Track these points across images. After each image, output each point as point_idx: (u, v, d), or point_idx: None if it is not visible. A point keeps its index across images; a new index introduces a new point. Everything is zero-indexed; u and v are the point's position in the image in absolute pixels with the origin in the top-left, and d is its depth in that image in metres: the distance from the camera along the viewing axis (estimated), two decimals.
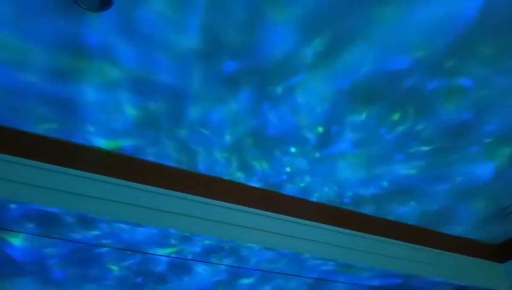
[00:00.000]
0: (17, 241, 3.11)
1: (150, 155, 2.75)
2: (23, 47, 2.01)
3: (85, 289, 3.78)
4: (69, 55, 2.05)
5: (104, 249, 3.18)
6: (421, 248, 3.51)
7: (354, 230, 3.27)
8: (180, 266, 3.53)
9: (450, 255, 3.65)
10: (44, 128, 2.53)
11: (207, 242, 2.97)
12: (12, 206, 2.62)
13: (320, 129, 2.53)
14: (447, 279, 3.57)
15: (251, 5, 1.82)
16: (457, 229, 3.64)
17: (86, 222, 2.71)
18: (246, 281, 3.76)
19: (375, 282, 3.65)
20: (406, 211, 3.36)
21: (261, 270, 3.41)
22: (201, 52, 2.04)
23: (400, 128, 2.53)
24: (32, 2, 1.80)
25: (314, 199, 3.21)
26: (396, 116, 2.44)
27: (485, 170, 2.89)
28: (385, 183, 3.01)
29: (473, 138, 2.61)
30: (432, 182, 3.01)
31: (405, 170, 2.88)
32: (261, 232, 2.98)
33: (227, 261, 3.27)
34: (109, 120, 2.46)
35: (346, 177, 2.95)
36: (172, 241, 3.01)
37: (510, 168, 2.88)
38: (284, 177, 2.96)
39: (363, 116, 2.44)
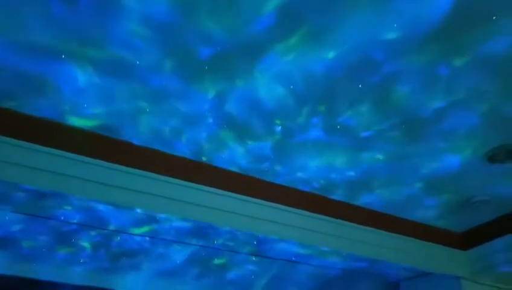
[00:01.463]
0: None
1: (122, 134, 2.78)
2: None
3: (57, 267, 3.80)
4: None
5: (75, 227, 3.21)
6: (387, 233, 3.63)
7: (322, 214, 3.36)
8: (154, 246, 3.58)
9: (415, 241, 3.78)
10: (15, 103, 2.52)
11: (177, 223, 3.02)
12: None
13: (291, 115, 2.59)
14: (412, 264, 3.71)
15: None
16: (423, 216, 3.77)
17: (58, 198, 2.72)
18: (217, 261, 3.84)
19: (342, 265, 3.77)
20: (373, 198, 3.47)
21: (230, 251, 3.48)
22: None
23: (373, 118, 2.60)
24: None
25: (283, 183, 3.29)
26: (365, 107, 2.51)
27: (451, 160, 2.99)
28: (353, 170, 3.10)
29: (444, 129, 2.69)
30: (400, 170, 3.10)
31: (373, 157, 2.97)
32: (231, 214, 3.04)
33: (197, 241, 3.33)
34: (81, 99, 2.47)
35: (315, 163, 3.03)
36: (145, 221, 3.05)
37: (476, 160, 2.98)
38: (253, 160, 3.02)
39: (334, 104, 2.50)
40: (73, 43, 2.11)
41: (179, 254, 3.78)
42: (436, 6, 1.92)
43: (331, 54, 2.18)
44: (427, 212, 3.69)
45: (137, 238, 3.48)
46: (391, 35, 2.06)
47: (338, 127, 2.68)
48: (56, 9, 1.94)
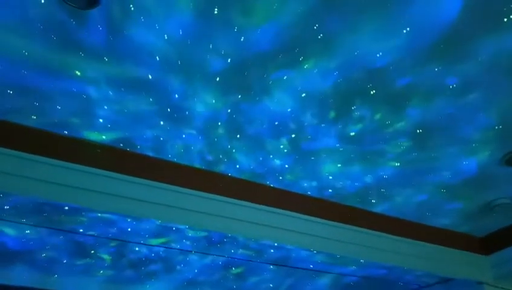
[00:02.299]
0: (10, 230, 3.18)
1: (138, 147, 2.82)
2: (19, 44, 2.06)
3: (77, 278, 3.85)
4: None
5: (94, 239, 3.25)
6: (406, 240, 3.58)
7: (340, 222, 3.34)
8: (170, 256, 3.61)
9: (435, 247, 3.72)
10: (33, 120, 2.58)
11: (194, 233, 3.04)
12: (7, 197, 2.68)
13: (305, 124, 2.59)
14: (432, 271, 3.65)
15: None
16: (442, 222, 3.71)
17: (77, 212, 2.77)
18: (235, 271, 3.84)
19: (360, 273, 3.73)
20: (391, 204, 3.43)
21: (248, 261, 3.48)
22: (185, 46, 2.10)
23: (384, 124, 2.58)
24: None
25: (299, 191, 3.28)
26: (378, 114, 2.50)
27: (469, 165, 2.95)
28: (370, 177, 3.08)
29: (460, 133, 2.66)
30: (418, 176, 3.07)
31: (390, 163, 2.95)
32: (248, 224, 3.05)
33: (216, 251, 3.35)
34: (97, 114, 2.52)
35: (331, 170, 3.01)
36: (162, 232, 3.08)
37: (493, 163, 2.94)
38: (267, 169, 3.03)
39: (348, 112, 2.49)
40: (87, 58, 2.16)
41: (196, 264, 3.79)
42: (445, 12, 1.91)
43: (345, 60, 2.17)
44: (447, 218, 3.64)
45: (155, 248, 3.51)
46: (399, 42, 2.06)
47: (352, 134, 2.67)
48: (71, 26, 1.99)
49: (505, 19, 1.92)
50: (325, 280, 4.14)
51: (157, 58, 2.15)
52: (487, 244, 3.96)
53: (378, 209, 3.51)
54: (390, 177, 3.09)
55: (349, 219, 3.40)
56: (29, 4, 1.88)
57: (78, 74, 2.25)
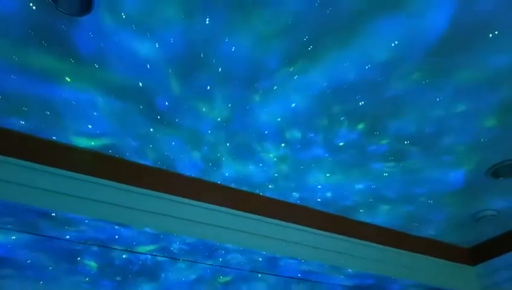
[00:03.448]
0: None
1: (127, 154, 2.81)
2: (9, 49, 2.06)
3: (63, 285, 3.81)
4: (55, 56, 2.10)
5: (81, 246, 3.22)
6: (394, 250, 3.61)
7: (328, 231, 3.35)
8: (159, 264, 3.58)
9: (422, 257, 3.75)
10: (23, 126, 2.57)
11: (184, 241, 3.03)
12: None
13: (294, 134, 2.61)
14: (419, 281, 3.67)
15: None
16: (429, 232, 3.74)
17: (64, 219, 2.75)
18: (223, 279, 3.82)
19: (348, 282, 3.74)
20: (378, 215, 3.46)
21: (236, 269, 3.47)
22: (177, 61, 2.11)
23: (372, 134, 2.61)
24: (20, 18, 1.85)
25: (288, 200, 3.29)
26: (366, 125, 2.52)
27: (455, 176, 2.99)
28: (359, 187, 3.10)
29: (447, 145, 2.70)
30: (405, 186, 3.10)
31: (378, 173, 2.97)
32: (238, 233, 3.04)
33: (206, 260, 3.33)
34: (87, 120, 2.51)
35: (320, 180, 3.03)
36: (151, 239, 3.06)
37: (480, 175, 2.98)
38: (256, 178, 3.04)
39: (337, 122, 2.52)
40: (78, 65, 2.16)
41: (184, 272, 3.77)
42: (433, 26, 1.94)
43: (332, 73, 2.20)
44: (433, 228, 3.67)
45: (143, 256, 3.48)
46: (388, 55, 2.08)
47: (340, 144, 2.69)
48: (62, 32, 1.99)
49: (490, 35, 1.96)
50: (311, 289, 4.14)
51: (148, 66, 2.15)
52: (474, 255, 3.99)
53: (367, 219, 3.53)
54: (378, 187, 3.11)
55: (337, 229, 3.41)
56: (20, 10, 1.88)
57: (68, 80, 2.24)
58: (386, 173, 2.96)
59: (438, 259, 3.83)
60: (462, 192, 3.17)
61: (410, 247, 3.71)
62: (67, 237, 3.13)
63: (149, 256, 3.39)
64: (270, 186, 3.12)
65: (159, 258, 3.43)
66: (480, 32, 1.97)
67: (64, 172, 2.65)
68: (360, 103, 2.38)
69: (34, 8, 1.86)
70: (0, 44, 2.04)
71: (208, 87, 2.29)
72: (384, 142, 2.67)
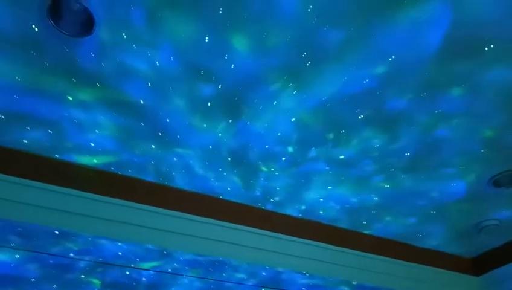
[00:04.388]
0: (0, 255, 3.14)
1: (129, 171, 2.83)
2: (11, 70, 2.09)
3: None
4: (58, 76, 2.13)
5: (85, 263, 3.22)
6: (397, 261, 3.60)
7: (331, 244, 3.35)
8: (163, 280, 3.57)
9: (426, 268, 3.74)
10: (26, 145, 2.59)
11: (188, 257, 3.03)
12: None
13: (295, 148, 2.63)
14: None
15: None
16: (432, 243, 3.74)
17: (67, 236, 2.76)
18: None
19: None
20: (382, 226, 3.45)
21: (239, 284, 3.46)
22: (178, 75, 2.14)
23: (372, 147, 2.63)
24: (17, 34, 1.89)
25: (290, 213, 3.30)
26: (366, 138, 2.54)
27: (457, 186, 2.99)
28: (360, 199, 3.11)
29: (447, 156, 2.71)
30: (407, 197, 3.11)
31: (380, 185, 2.98)
32: (239, 247, 3.05)
33: (207, 275, 3.33)
34: (89, 138, 2.54)
35: (321, 193, 3.04)
36: (154, 256, 3.07)
37: (481, 185, 2.99)
38: (261, 193, 3.05)
39: (337, 136, 2.54)
40: (80, 84, 2.19)
41: (187, 287, 3.76)
42: (427, 40, 1.97)
43: (333, 86, 2.22)
44: (436, 239, 3.66)
45: (146, 272, 3.48)
46: (385, 69, 2.11)
47: (341, 157, 2.70)
48: (64, 52, 2.03)
49: (486, 48, 1.99)
50: None
51: (149, 84, 2.18)
52: (477, 265, 3.98)
53: (369, 231, 3.53)
54: (380, 199, 3.12)
55: (340, 241, 3.41)
56: (22, 32, 1.91)
57: (70, 99, 2.27)
58: (387, 185, 2.97)
59: (441, 270, 3.82)
60: (464, 202, 3.17)
61: (413, 258, 3.70)
62: (71, 254, 3.13)
63: (152, 272, 3.38)
64: (271, 200, 3.12)
65: (163, 274, 3.43)
66: (475, 46, 1.99)
67: (67, 190, 2.67)
68: (360, 117, 2.40)
69: (36, 29, 1.90)
70: (3, 65, 2.08)
71: (209, 104, 2.32)
72: (385, 154, 2.69)
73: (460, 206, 3.23)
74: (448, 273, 3.83)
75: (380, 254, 3.55)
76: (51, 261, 3.29)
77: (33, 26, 1.89)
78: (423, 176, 2.90)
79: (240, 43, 1.99)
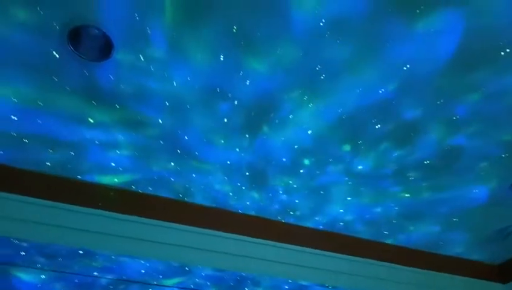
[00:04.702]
0: (26, 276, 3.20)
1: (150, 188, 2.87)
2: (35, 95, 2.16)
3: None
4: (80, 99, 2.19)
5: (108, 281, 3.26)
6: (420, 271, 3.55)
7: (353, 255, 3.33)
8: None
9: (450, 277, 3.67)
10: (49, 167, 2.66)
11: (209, 272, 3.04)
12: (22, 243, 2.73)
13: (313, 160, 2.63)
14: None
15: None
16: (456, 251, 3.67)
17: (91, 255, 2.80)
18: None
19: None
20: (403, 235, 3.42)
21: None
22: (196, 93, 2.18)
23: (391, 156, 2.62)
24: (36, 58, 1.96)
25: (310, 226, 3.29)
26: (385, 147, 2.54)
27: (478, 192, 2.96)
28: (381, 209, 3.09)
29: (467, 162, 2.69)
30: (428, 206, 3.08)
31: (400, 194, 2.96)
32: (261, 261, 3.05)
33: None
34: (110, 158, 2.59)
35: (341, 204, 3.03)
36: (176, 272, 3.09)
37: (503, 190, 2.94)
38: (280, 206, 3.05)
39: (355, 147, 2.54)
40: (100, 106, 2.25)
41: None
42: (443, 48, 1.97)
43: (348, 97, 2.23)
44: (460, 246, 3.61)
45: (169, 289, 3.50)
46: (401, 78, 2.11)
47: (360, 167, 2.70)
48: (84, 77, 2.09)
49: (502, 53, 1.98)
50: None
51: (167, 104, 2.23)
52: (503, 272, 3.89)
53: (391, 240, 3.49)
54: (401, 209, 3.09)
55: (362, 252, 3.38)
56: (44, 59, 1.98)
57: (91, 121, 2.33)
58: (407, 194, 2.95)
59: (466, 278, 3.75)
60: (486, 208, 3.12)
61: (437, 267, 3.65)
62: (95, 273, 3.17)
63: (175, 289, 3.40)
64: (291, 213, 3.13)
65: None
66: (490, 52, 1.98)
67: (90, 210, 2.72)
68: (377, 126, 2.40)
69: (57, 56, 1.96)
70: (26, 90, 2.15)
71: (225, 120, 2.35)
72: (404, 163, 2.67)
73: (483, 212, 3.18)
74: (474, 281, 3.75)
75: (404, 264, 3.51)
76: (76, 281, 3.34)
77: (54, 52, 1.95)
78: (443, 183, 2.87)
79: (254, 60, 2.02)
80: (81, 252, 2.79)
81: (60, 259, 2.98)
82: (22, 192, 2.66)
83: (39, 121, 2.33)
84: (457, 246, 3.60)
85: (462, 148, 2.57)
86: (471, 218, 3.24)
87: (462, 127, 2.41)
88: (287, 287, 3.27)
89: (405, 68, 2.07)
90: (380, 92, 2.18)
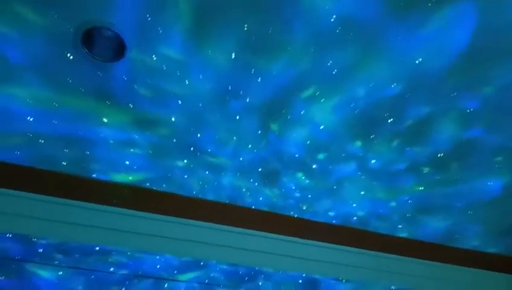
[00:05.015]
0: (44, 273, 3.26)
1: (163, 185, 2.90)
2: (50, 97, 2.20)
3: None
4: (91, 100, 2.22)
5: (124, 277, 3.30)
6: (436, 264, 3.53)
7: (367, 249, 3.33)
8: None
9: (467, 270, 3.65)
10: (63, 166, 2.70)
11: (224, 267, 3.07)
12: (41, 241, 2.78)
13: (325, 155, 2.64)
14: None
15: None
16: (472, 244, 3.65)
17: (107, 252, 2.85)
18: None
19: None
20: (418, 228, 3.41)
21: None
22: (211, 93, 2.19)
23: (403, 150, 2.61)
24: (52, 57, 1.98)
25: (323, 220, 3.29)
26: (397, 141, 2.53)
27: (493, 185, 2.93)
28: (395, 203, 3.08)
29: (481, 155, 2.66)
30: (443, 199, 3.06)
31: (414, 188, 2.95)
32: (275, 256, 3.07)
33: (246, 285, 3.36)
34: (124, 156, 2.62)
35: (354, 198, 3.03)
36: (191, 267, 3.12)
37: None
38: (293, 201, 3.06)
39: (367, 141, 2.53)
40: (114, 106, 2.28)
41: None
42: (457, 39, 1.96)
43: (361, 92, 2.23)
44: (476, 239, 3.58)
45: (184, 284, 3.54)
46: (413, 72, 2.10)
47: (373, 161, 2.69)
48: (98, 77, 2.11)
49: None
50: None
51: (180, 102, 2.25)
52: None
53: (405, 234, 3.48)
54: (414, 202, 3.08)
55: (376, 246, 3.38)
56: (59, 61, 2.01)
57: (106, 120, 2.36)
58: (421, 187, 2.93)
59: (483, 270, 3.72)
60: (502, 200, 3.09)
61: (453, 260, 3.63)
62: (111, 269, 3.22)
63: (192, 283, 3.44)
64: (304, 207, 3.13)
65: (200, 285, 3.48)
66: (504, 44, 1.96)
67: (105, 207, 2.76)
68: (389, 120, 2.39)
69: (71, 58, 1.99)
70: (41, 92, 2.18)
71: (237, 117, 2.36)
72: (417, 156, 2.66)
73: (498, 205, 3.15)
74: (490, 273, 3.73)
75: (419, 257, 3.50)
76: (92, 277, 3.40)
77: (68, 54, 1.98)
78: (458, 176, 2.85)
79: (266, 57, 2.02)
80: (97, 248, 2.84)
81: (76, 255, 3.04)
82: (39, 191, 2.70)
83: (54, 122, 2.36)
84: (473, 239, 3.58)
85: (476, 141, 2.55)
86: (486, 211, 3.21)
87: (475, 120, 2.39)
88: (300, 281, 3.29)
89: (417, 62, 2.05)
90: (392, 86, 2.17)
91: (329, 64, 2.07)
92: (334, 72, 2.12)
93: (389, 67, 2.09)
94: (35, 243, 2.98)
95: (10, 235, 2.90)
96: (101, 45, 1.90)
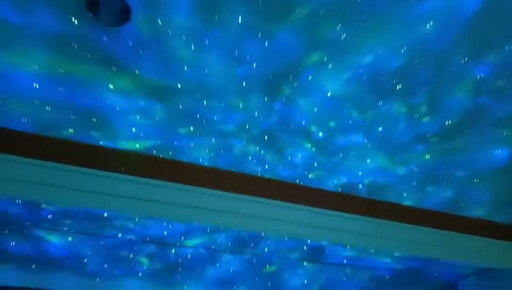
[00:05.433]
0: (54, 238, 3.33)
1: (170, 153, 2.91)
2: (56, 63, 2.18)
3: (117, 281, 3.99)
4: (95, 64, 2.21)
5: (132, 243, 3.37)
6: (441, 232, 3.56)
7: (372, 217, 3.35)
8: (207, 256, 3.69)
9: (472, 238, 3.68)
10: (70, 134, 2.71)
11: (230, 233, 3.11)
12: (49, 207, 2.83)
13: (332, 123, 2.62)
14: (470, 262, 3.61)
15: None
16: (478, 213, 3.67)
17: (115, 218, 2.89)
18: (269, 269, 3.90)
19: (395, 266, 3.73)
20: (424, 196, 3.42)
21: (282, 258, 3.53)
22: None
23: (412, 117, 2.59)
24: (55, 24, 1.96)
25: (329, 188, 3.31)
26: (405, 108, 2.50)
27: (501, 153, 2.92)
28: (400, 171, 3.08)
29: (489, 123, 2.64)
30: (449, 167, 3.06)
31: (421, 156, 2.94)
32: (281, 223, 3.10)
33: (252, 250, 3.41)
34: (131, 123, 2.62)
35: (360, 166, 3.03)
36: (198, 234, 3.17)
37: None
38: (299, 169, 3.07)
39: (375, 108, 2.51)
40: (120, 72, 2.26)
41: (231, 263, 3.87)
42: (467, 2, 1.91)
43: (367, 59, 2.19)
44: (481, 208, 3.60)
45: (190, 250, 3.60)
46: (423, 36, 2.06)
47: (380, 129, 2.68)
48: (103, 43, 2.09)
49: None
50: (359, 274, 4.15)
51: (185, 68, 2.22)
52: None
53: (410, 202, 3.50)
54: (421, 170, 3.08)
55: (381, 214, 3.40)
56: (63, 26, 1.98)
57: (111, 87, 2.35)
58: (428, 155, 2.93)
59: (488, 239, 3.75)
60: (508, 169, 3.09)
61: (458, 228, 3.66)
62: (119, 235, 3.28)
63: (198, 249, 3.50)
64: (310, 175, 3.14)
65: (207, 251, 3.54)
66: None
67: (113, 174, 2.78)
68: (398, 87, 2.36)
69: (76, 22, 1.96)
70: (46, 59, 2.16)
71: (244, 84, 2.34)
72: (424, 124, 2.64)
73: (504, 174, 3.14)
74: (496, 242, 3.76)
75: (423, 225, 3.52)
76: (101, 243, 3.46)
77: (73, 19, 1.95)
78: (465, 144, 2.83)
79: (273, 21, 1.98)
80: (105, 215, 2.88)
81: (85, 221, 3.09)
82: (46, 158, 2.72)
83: (60, 89, 2.35)
84: (479, 208, 3.59)
85: (484, 108, 2.52)
86: (493, 180, 3.21)
87: (485, 86, 2.35)
88: (305, 247, 3.33)
89: (428, 26, 2.01)
90: (402, 51, 2.13)
91: (337, 28, 2.03)
92: (342, 37, 2.08)
93: (398, 32, 2.04)
94: (45, 210, 3.03)
95: (20, 202, 2.95)
96: (106, 9, 1.86)
